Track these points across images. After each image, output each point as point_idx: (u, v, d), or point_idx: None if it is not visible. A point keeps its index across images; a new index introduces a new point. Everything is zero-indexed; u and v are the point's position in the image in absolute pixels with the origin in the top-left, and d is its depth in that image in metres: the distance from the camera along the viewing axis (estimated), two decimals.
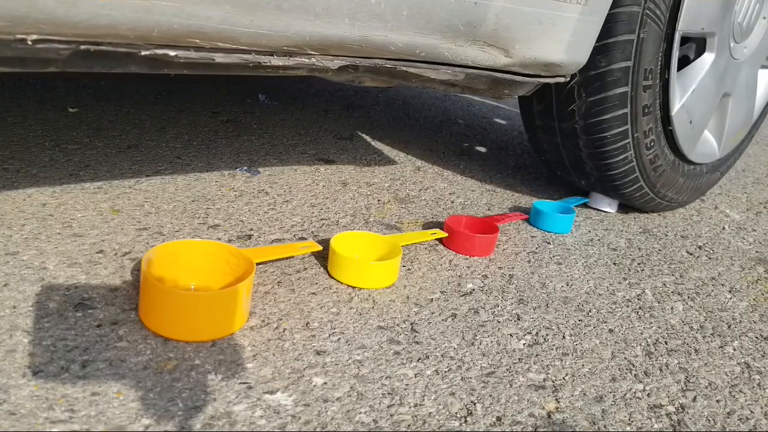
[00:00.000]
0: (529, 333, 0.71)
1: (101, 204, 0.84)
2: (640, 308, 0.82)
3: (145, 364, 0.54)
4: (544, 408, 0.58)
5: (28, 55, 0.51)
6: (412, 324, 0.68)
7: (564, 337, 0.71)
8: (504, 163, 1.41)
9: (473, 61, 0.80)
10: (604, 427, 0.57)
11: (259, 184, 1.02)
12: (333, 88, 1.90)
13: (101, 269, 0.68)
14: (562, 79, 0.93)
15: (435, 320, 0.70)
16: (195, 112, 1.37)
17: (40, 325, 0.57)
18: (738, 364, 0.73)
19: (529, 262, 0.90)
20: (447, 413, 0.55)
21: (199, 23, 0.56)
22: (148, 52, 0.56)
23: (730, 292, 0.93)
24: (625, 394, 0.62)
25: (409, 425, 0.53)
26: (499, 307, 0.76)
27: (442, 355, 0.63)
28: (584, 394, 0.61)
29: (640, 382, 0.65)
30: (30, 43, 0.50)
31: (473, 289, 0.79)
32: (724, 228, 1.22)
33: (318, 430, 0.50)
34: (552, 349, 0.68)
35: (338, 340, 0.63)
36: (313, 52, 0.67)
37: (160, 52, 0.57)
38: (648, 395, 0.63)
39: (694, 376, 0.68)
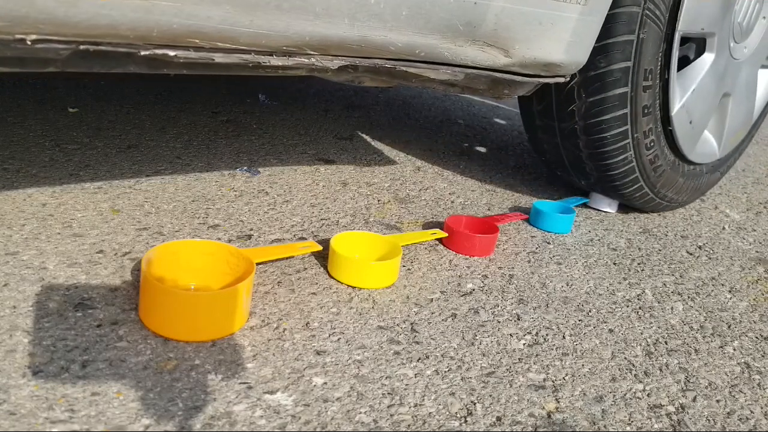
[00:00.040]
0: (529, 333, 0.71)
1: (101, 204, 0.84)
2: (640, 308, 0.82)
3: (145, 364, 0.54)
4: (544, 408, 0.58)
5: (27, 55, 0.51)
6: (412, 324, 0.68)
7: (564, 337, 0.71)
8: (504, 163, 1.41)
9: (473, 61, 0.80)
10: (604, 427, 0.57)
11: (259, 184, 1.02)
12: (333, 88, 1.90)
13: (101, 269, 0.68)
14: (561, 80, 0.93)
15: (435, 320, 0.70)
16: (195, 112, 1.37)
17: (40, 325, 0.57)
18: (738, 364, 0.73)
19: (529, 262, 0.90)
20: (447, 413, 0.55)
21: (199, 23, 0.56)
22: (147, 52, 0.56)
23: (730, 292, 0.93)
24: (625, 394, 0.62)
25: (409, 425, 0.53)
26: (499, 307, 0.76)
27: (442, 355, 0.63)
28: (584, 394, 0.61)
29: (640, 382, 0.65)
30: (29, 43, 0.50)
31: (473, 289, 0.79)
32: (724, 228, 1.22)
33: (318, 430, 0.50)
34: (552, 349, 0.68)
35: (338, 340, 0.63)
36: (312, 52, 0.67)
37: (159, 52, 0.57)
38: (648, 395, 0.63)
39: (694, 376, 0.68)
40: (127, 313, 0.61)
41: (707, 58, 1.09)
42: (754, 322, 0.84)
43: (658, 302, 0.85)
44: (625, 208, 1.21)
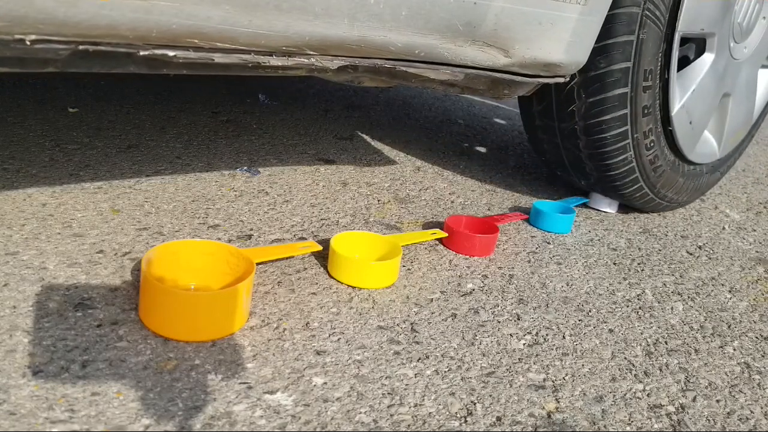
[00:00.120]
0: (529, 333, 0.71)
1: (101, 204, 0.84)
2: (640, 308, 0.82)
3: (145, 364, 0.54)
4: (544, 408, 0.58)
5: (26, 56, 0.51)
6: (412, 324, 0.68)
7: (564, 337, 0.71)
8: (504, 163, 1.41)
9: (473, 61, 0.80)
10: (604, 427, 0.57)
11: (259, 184, 1.02)
12: (333, 88, 1.90)
13: (101, 269, 0.68)
14: (561, 80, 0.93)
15: (435, 320, 0.70)
16: (195, 112, 1.37)
17: (40, 325, 0.57)
18: (738, 364, 0.73)
19: (529, 262, 0.90)
20: (447, 413, 0.55)
21: (199, 23, 0.56)
22: (147, 53, 0.56)
23: (730, 292, 0.93)
24: (625, 394, 0.62)
25: (409, 425, 0.53)
26: (499, 307, 0.76)
27: (442, 355, 0.63)
28: (584, 394, 0.61)
29: (640, 382, 0.65)
30: (29, 43, 0.50)
31: (473, 289, 0.79)
32: (724, 228, 1.22)
33: (318, 430, 0.50)
34: (552, 349, 0.68)
35: (338, 340, 0.63)
36: (312, 53, 0.67)
37: (159, 52, 0.57)
38: (648, 395, 0.63)
39: (694, 376, 0.68)
40: (127, 313, 0.61)
41: (707, 58, 1.09)
42: (754, 322, 0.84)
43: (658, 302, 0.85)
44: (625, 208, 1.21)
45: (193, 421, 0.49)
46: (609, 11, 0.89)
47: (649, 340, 0.74)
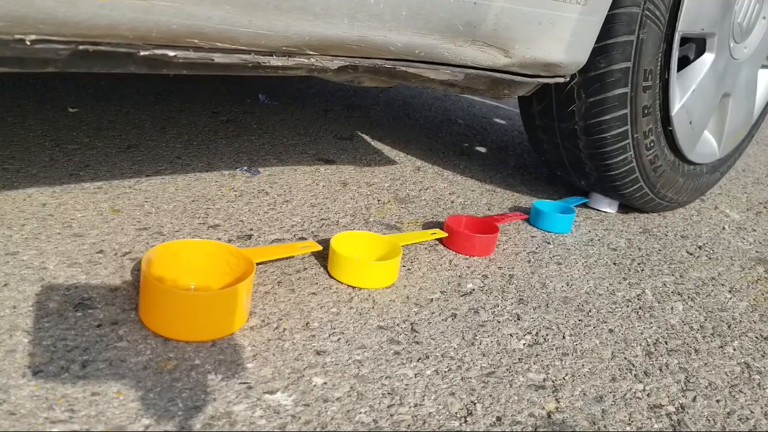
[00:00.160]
0: (529, 333, 0.71)
1: (101, 204, 0.84)
2: (640, 308, 0.82)
3: (145, 364, 0.54)
4: (544, 408, 0.58)
5: (26, 56, 0.51)
6: (412, 324, 0.68)
7: (564, 337, 0.71)
8: (504, 163, 1.41)
9: (473, 61, 0.80)
10: (604, 427, 0.57)
11: (259, 184, 1.02)
12: (333, 88, 1.90)
13: (101, 269, 0.68)
14: (561, 80, 0.93)
15: (435, 320, 0.70)
16: (195, 112, 1.37)
17: (40, 325, 0.57)
18: (738, 364, 0.73)
19: (529, 262, 0.90)
20: (447, 413, 0.55)
21: (199, 23, 0.56)
22: (147, 53, 0.56)
23: (730, 292, 0.93)
24: (625, 394, 0.62)
25: (409, 425, 0.53)
26: (499, 307, 0.76)
27: (442, 355, 0.63)
28: (584, 394, 0.61)
29: (640, 382, 0.65)
30: (29, 43, 0.50)
31: (473, 289, 0.79)
32: (724, 228, 1.22)
33: (318, 430, 0.50)
34: (552, 349, 0.68)
35: (338, 340, 0.63)
36: (312, 53, 0.67)
37: (159, 52, 0.57)
38: (648, 395, 0.63)
39: (694, 376, 0.68)
40: (127, 313, 0.61)
41: (707, 58, 1.09)
42: (754, 322, 0.84)
43: (658, 302, 0.85)
44: (625, 208, 1.21)
45: (193, 421, 0.49)
46: (609, 11, 0.89)
47: (649, 340, 0.74)
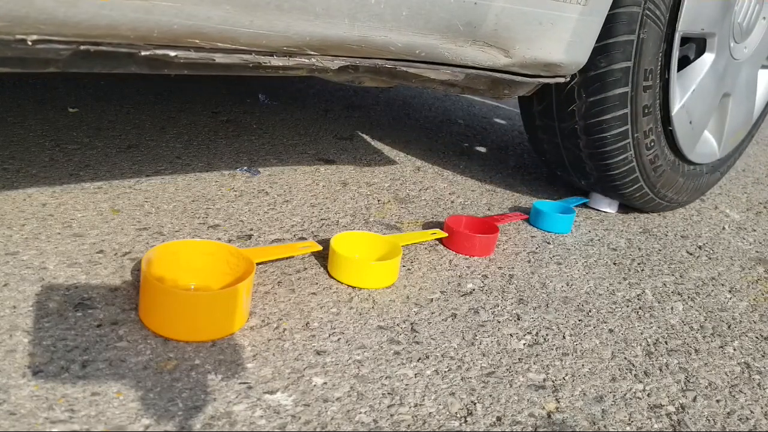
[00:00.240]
0: (529, 333, 0.71)
1: (101, 204, 0.84)
2: (640, 308, 0.82)
3: (145, 364, 0.54)
4: (544, 408, 0.58)
5: (28, 56, 0.51)
6: (412, 324, 0.68)
7: (564, 337, 0.71)
8: (504, 163, 1.41)
9: (473, 61, 0.80)
10: (604, 427, 0.57)
11: (259, 184, 1.02)
12: (333, 88, 1.90)
13: (101, 269, 0.68)
14: (562, 80, 0.93)
15: (435, 320, 0.70)
16: (195, 112, 1.37)
17: (40, 325, 0.57)
18: (738, 364, 0.73)
19: (529, 262, 0.90)
20: (447, 413, 0.55)
21: (200, 23, 0.56)
22: (148, 53, 0.56)
23: (730, 292, 0.93)
24: (625, 394, 0.63)
25: (409, 425, 0.53)
26: (499, 307, 0.76)
27: (442, 355, 0.63)
28: (584, 394, 0.61)
29: (640, 382, 0.65)
30: (30, 43, 0.50)
31: (473, 289, 0.79)
32: (724, 228, 1.22)
33: (318, 430, 0.50)
34: (552, 349, 0.68)
35: (338, 340, 0.63)
36: (313, 53, 0.67)
37: (160, 52, 0.57)
38: (648, 395, 0.63)
39: (694, 376, 0.68)
40: (127, 313, 0.61)
41: (707, 58, 1.09)
42: (754, 322, 0.84)
43: (658, 302, 0.85)
44: (625, 208, 1.21)
45: (193, 421, 0.49)
46: (609, 10, 0.89)
47: (649, 340, 0.74)
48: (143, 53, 0.56)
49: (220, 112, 1.42)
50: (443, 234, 0.89)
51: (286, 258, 0.77)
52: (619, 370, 0.67)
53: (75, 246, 0.72)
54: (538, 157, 1.23)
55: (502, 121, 1.90)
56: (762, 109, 1.39)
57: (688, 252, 1.06)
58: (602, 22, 0.89)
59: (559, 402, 0.59)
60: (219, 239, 0.80)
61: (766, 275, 1.02)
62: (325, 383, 0.56)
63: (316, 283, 0.73)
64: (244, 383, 0.54)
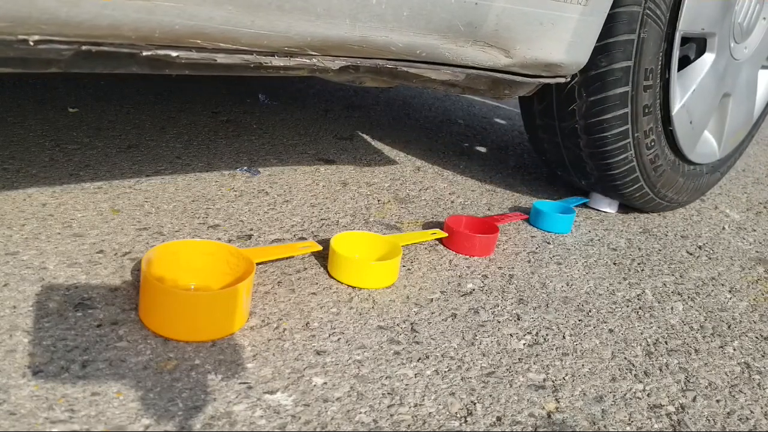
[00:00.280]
0: (529, 333, 0.71)
1: (101, 204, 0.84)
2: (640, 308, 0.82)
3: (145, 364, 0.54)
4: (544, 408, 0.58)
5: (30, 56, 0.51)
6: (412, 324, 0.68)
7: (564, 337, 0.71)
8: (504, 163, 1.41)
9: (474, 61, 0.81)
10: (604, 427, 0.57)
11: (259, 184, 1.02)
12: (333, 88, 1.90)
13: (101, 269, 0.68)
14: (562, 80, 0.93)
15: (435, 320, 0.70)
16: (195, 112, 1.37)
17: (40, 325, 0.57)
18: (738, 364, 0.73)
19: (529, 262, 0.90)
20: (447, 413, 0.55)
21: (201, 24, 0.56)
22: (149, 53, 0.56)
23: (730, 292, 0.93)
24: (625, 394, 0.63)
25: (409, 425, 0.53)
26: (499, 307, 0.76)
27: (442, 355, 0.63)
28: (584, 394, 0.61)
29: (640, 382, 0.65)
30: (32, 43, 0.50)
31: (473, 289, 0.79)
32: (724, 228, 1.22)
33: (318, 430, 0.50)
34: (552, 349, 0.68)
35: (338, 340, 0.63)
36: (314, 53, 0.67)
37: (161, 52, 0.57)
38: (648, 395, 0.63)
39: (694, 376, 0.68)
40: (127, 313, 0.61)
41: (708, 58, 1.09)
42: (754, 322, 0.84)
43: (658, 302, 0.85)
44: (625, 208, 1.21)
45: (193, 421, 0.49)
46: (610, 10, 0.89)
47: (649, 340, 0.74)
48: (145, 53, 0.56)
49: (220, 112, 1.42)
50: (443, 234, 0.89)
51: (286, 258, 0.77)
52: (619, 370, 0.67)
53: (75, 246, 0.72)
54: (539, 157, 1.23)
55: (502, 121, 1.90)
56: (762, 109, 1.39)
57: (688, 252, 1.06)
58: (603, 22, 0.89)
59: (559, 402, 0.59)
60: (219, 239, 0.80)
61: (766, 275, 1.02)
62: (325, 383, 0.56)
63: (316, 283, 0.73)
64: (244, 383, 0.54)
